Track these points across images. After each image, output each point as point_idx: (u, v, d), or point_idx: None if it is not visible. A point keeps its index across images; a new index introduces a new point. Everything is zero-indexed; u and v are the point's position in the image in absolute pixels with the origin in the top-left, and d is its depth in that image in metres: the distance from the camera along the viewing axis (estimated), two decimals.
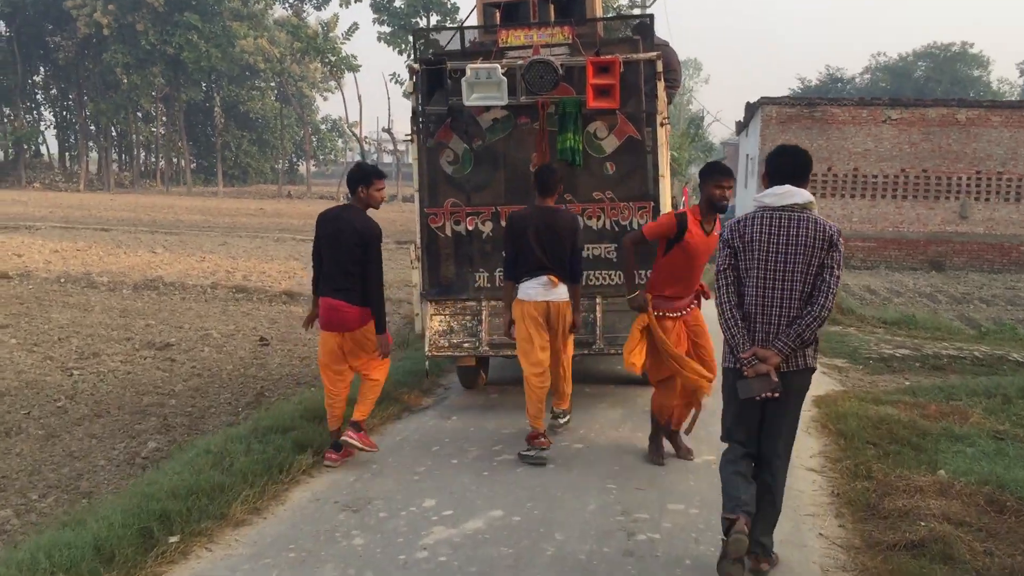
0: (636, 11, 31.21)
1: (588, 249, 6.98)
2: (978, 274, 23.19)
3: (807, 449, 5.95)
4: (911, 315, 11.53)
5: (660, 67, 6.97)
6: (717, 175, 5.42)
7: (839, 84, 70.12)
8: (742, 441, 4.16)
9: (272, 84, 71.85)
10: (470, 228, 7.25)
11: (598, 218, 7.09)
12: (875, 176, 23.70)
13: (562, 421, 6.41)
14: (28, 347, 11.65)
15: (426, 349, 7.31)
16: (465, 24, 8.13)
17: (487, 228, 7.22)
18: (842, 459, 5.70)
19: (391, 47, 49.38)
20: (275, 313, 15.75)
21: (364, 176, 5.74)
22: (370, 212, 5.83)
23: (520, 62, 6.81)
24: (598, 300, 7.06)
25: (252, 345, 12.77)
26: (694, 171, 69.74)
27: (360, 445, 5.79)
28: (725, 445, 4.27)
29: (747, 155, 28.07)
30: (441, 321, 7.30)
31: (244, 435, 6.03)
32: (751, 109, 26.56)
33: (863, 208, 23.77)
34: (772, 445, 4.13)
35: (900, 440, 5.95)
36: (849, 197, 23.80)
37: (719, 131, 77.30)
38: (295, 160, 79.73)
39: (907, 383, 8.39)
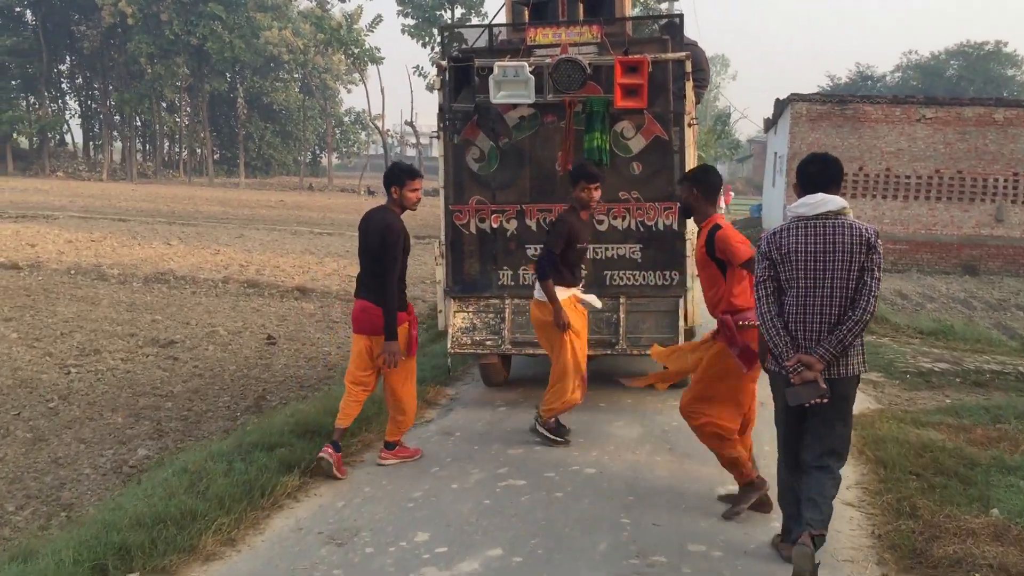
0: (664, 7, 30.75)
1: (613, 249, 7.08)
2: (1013, 279, 22.41)
3: (843, 479, 5.40)
4: (948, 325, 10.92)
5: (689, 67, 6.94)
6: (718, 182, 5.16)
7: (869, 82, 68.96)
8: (793, 444, 4.24)
9: (296, 76, 71.71)
10: (495, 226, 7.23)
11: (623, 218, 7.06)
12: (908, 177, 22.95)
13: (539, 428, 6.14)
14: (29, 342, 11.29)
15: (448, 346, 7.27)
16: (493, 21, 8.10)
17: (512, 226, 7.21)
18: (882, 492, 5.15)
19: (415, 40, 49.07)
20: (286, 310, 15.35)
21: (396, 176, 5.62)
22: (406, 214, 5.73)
23: (548, 60, 6.78)
24: (622, 300, 7.01)
25: (259, 343, 12.36)
26: (721, 168, 69.00)
27: (398, 461, 5.71)
28: None
29: (775, 153, 27.36)
30: (464, 318, 7.27)
31: (227, 451, 5.58)
32: (780, 106, 25.86)
33: (895, 209, 23.04)
34: (811, 458, 4.09)
35: (946, 471, 5.38)
36: (881, 198, 23.07)
37: (745, 128, 76.50)
38: (318, 152, 79.48)
39: (948, 401, 7.81)
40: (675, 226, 7.03)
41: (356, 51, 51.24)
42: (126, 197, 42.88)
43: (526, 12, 8.03)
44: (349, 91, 72.99)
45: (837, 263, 3.96)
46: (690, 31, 8.27)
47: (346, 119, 78.95)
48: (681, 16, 7.52)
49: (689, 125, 7.14)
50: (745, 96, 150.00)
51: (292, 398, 9.32)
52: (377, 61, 52.86)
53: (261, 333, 12.97)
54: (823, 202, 4.03)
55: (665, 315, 6.98)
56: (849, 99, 23.81)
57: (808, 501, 3.98)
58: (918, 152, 22.84)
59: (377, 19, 51.69)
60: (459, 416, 7.05)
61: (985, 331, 11.02)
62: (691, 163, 7.08)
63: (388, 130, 60.25)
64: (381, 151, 73.80)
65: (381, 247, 5.45)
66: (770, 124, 28.80)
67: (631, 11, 9.40)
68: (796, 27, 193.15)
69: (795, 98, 23.59)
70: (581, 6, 7.90)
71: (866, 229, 3.99)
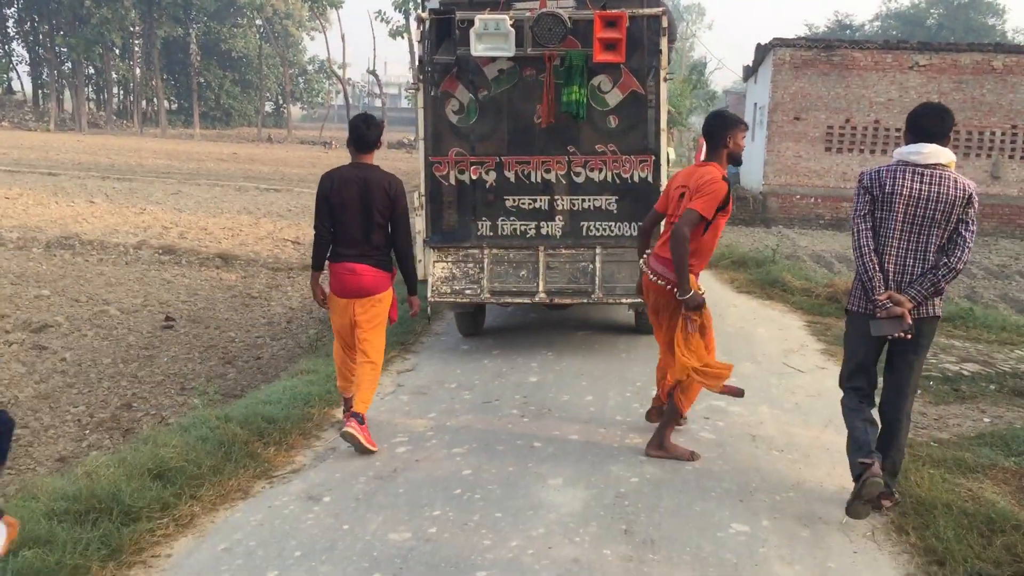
0: None
1: (589, 201, 7.25)
2: (1009, 240, 20.81)
3: None
4: (967, 308, 9.18)
5: (665, 23, 7.04)
6: (741, 124, 5.15)
7: (848, 31, 67.11)
8: (861, 387, 4.44)
9: (257, 22, 68.59)
10: (474, 177, 7.32)
11: (600, 170, 7.22)
12: (899, 129, 21.07)
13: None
14: None
15: (428, 294, 7.25)
16: None
17: (491, 178, 7.31)
18: None
19: None
20: (201, 281, 13.40)
21: (380, 129, 5.53)
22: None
23: (527, 14, 6.88)
24: (597, 250, 7.19)
25: (154, 326, 10.44)
26: (695, 120, 66.94)
27: (363, 441, 5.17)
28: None
29: (755, 104, 25.44)
30: (444, 268, 7.36)
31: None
32: (761, 52, 23.89)
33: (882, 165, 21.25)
34: (897, 390, 4.38)
35: None
36: (869, 153, 21.30)
37: (722, 79, 74.49)
38: (281, 103, 76.33)
39: (987, 420, 6.11)
40: (650, 178, 7.12)
41: None
42: (68, 149, 40.25)
43: None
44: (312, 38, 69.78)
45: (939, 212, 4.11)
46: None
47: (310, 68, 76.02)
48: None
49: (664, 80, 7.14)
50: (721, 46, 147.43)
51: (166, 406, 7.49)
52: (336, 5, 50.10)
53: (161, 312, 11.04)
54: (935, 153, 4.15)
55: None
56: (836, 44, 21.88)
57: (893, 442, 4.36)
58: (910, 103, 20.98)
59: None
60: (327, 474, 5.25)
61: (1007, 316, 9.30)
62: (664, 117, 7.23)
63: (350, 79, 57.53)
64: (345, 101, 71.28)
65: (395, 205, 5.38)
66: (750, 72, 26.81)
67: None
68: None
69: (777, 43, 21.64)
70: None
71: (968, 184, 4.15)
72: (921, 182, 4.12)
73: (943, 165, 4.13)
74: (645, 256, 5.26)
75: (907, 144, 4.26)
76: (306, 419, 5.54)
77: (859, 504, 4.08)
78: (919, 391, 6.70)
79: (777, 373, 6.90)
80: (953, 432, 5.85)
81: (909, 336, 4.17)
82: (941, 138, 4.18)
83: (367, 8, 59.39)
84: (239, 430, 5.01)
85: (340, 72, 54.87)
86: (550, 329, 8.21)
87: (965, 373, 7.09)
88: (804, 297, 9.75)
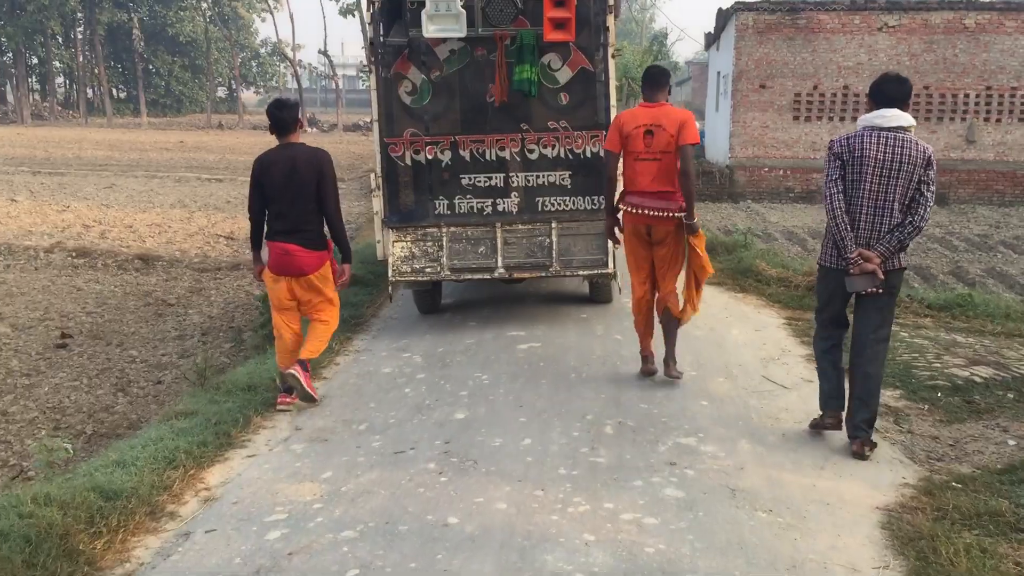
0: None
1: (544, 176, 7.38)
2: (986, 208, 19.88)
3: None
4: (966, 295, 8.08)
5: (612, 0, 7.21)
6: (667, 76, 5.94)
7: (806, 1, 66.06)
8: (834, 333, 4.91)
9: (205, 4, 66.25)
10: (429, 157, 7.38)
11: (553, 147, 7.33)
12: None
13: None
14: None
15: (389, 274, 7.40)
16: None
17: (446, 157, 7.38)
18: None
19: None
20: (114, 287, 12.06)
21: (296, 108, 5.73)
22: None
23: None
24: (553, 225, 7.32)
25: (46, 345, 9.16)
26: None
27: (304, 386, 5.49)
28: None
29: (719, 72, 24.26)
30: (403, 247, 7.42)
31: None
32: (723, 18, 22.69)
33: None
34: (866, 334, 4.73)
35: None
36: (838, 120, 20.23)
37: (683, 50, 73.46)
38: (235, 88, 73.84)
39: (1011, 442, 5.00)
40: (602, 153, 7.02)
41: None
42: (4, 143, 38.24)
43: None
44: (263, 20, 67.61)
45: (903, 173, 4.49)
46: None
47: (262, 50, 73.76)
48: None
49: (612, 56, 7.31)
50: (683, 17, 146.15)
51: (29, 454, 6.24)
52: None
53: (59, 328, 9.73)
54: (896, 117, 4.50)
55: (595, 238, 7.27)
56: (801, 6, 20.70)
57: (857, 401, 4.74)
58: (879, 66, 19.89)
59: None
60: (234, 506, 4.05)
61: (1009, 302, 8.23)
62: (613, 93, 7.37)
63: (300, 60, 55.68)
64: (305, 84, 69.17)
65: (322, 176, 5.51)
66: (712, 40, 25.60)
67: None
68: None
69: (740, 7, 20.46)
70: None
71: (926, 147, 4.54)
72: (886, 145, 4.49)
73: (905, 128, 4.52)
74: (625, 200, 5.74)
75: (870, 111, 4.65)
76: (162, 489, 4.30)
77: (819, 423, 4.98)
78: (928, 405, 5.62)
79: (756, 391, 5.75)
80: (975, 463, 4.74)
81: (880, 291, 4.60)
82: (901, 103, 4.56)
83: None
84: (59, 516, 3.77)
85: (288, 53, 52.93)
86: (489, 344, 7.01)
87: (977, 380, 5.98)
88: (781, 288, 8.61)
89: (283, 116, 5.49)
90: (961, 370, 6.17)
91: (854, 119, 19.86)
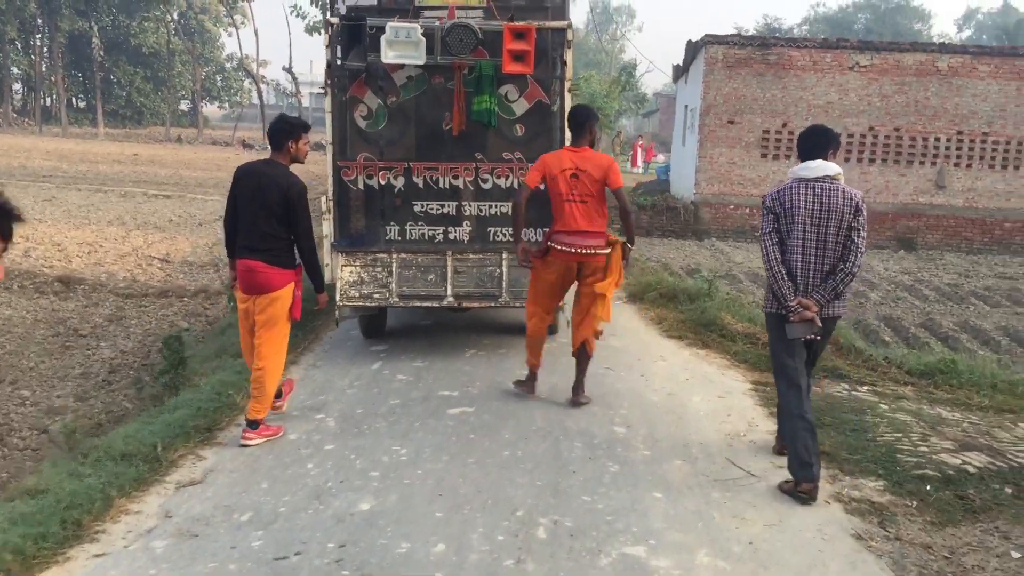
0: None
1: (496, 207, 7.36)
2: (955, 255, 19.39)
3: None
4: (949, 360, 7.35)
5: (570, 36, 7.23)
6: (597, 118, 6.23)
7: (776, 35, 66.57)
8: (801, 385, 4.91)
9: (172, 17, 65.03)
10: (382, 182, 7.33)
11: (507, 177, 7.33)
12: (838, 135, 19.58)
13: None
14: None
15: (337, 298, 7.22)
16: None
17: (399, 183, 7.32)
18: None
19: None
20: (25, 313, 11.01)
21: (293, 129, 5.54)
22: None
23: (437, 23, 6.94)
24: (504, 255, 7.25)
25: None
26: (626, 123, 65.54)
27: (263, 440, 5.33)
28: None
29: (686, 106, 23.69)
30: (352, 272, 7.32)
31: None
32: (692, 50, 22.14)
33: None
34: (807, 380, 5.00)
35: None
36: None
37: (652, 82, 73.53)
38: (199, 101, 72.41)
39: (1015, 554, 4.24)
40: None
41: None
42: None
43: None
44: (230, 34, 66.47)
45: (832, 221, 4.67)
46: None
47: (228, 65, 72.53)
48: None
49: (569, 90, 7.33)
50: (652, 49, 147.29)
51: None
52: None
53: None
54: (821, 167, 4.73)
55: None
56: (772, 41, 20.24)
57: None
58: (850, 106, 19.49)
59: None
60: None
61: (995, 369, 7.51)
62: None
63: (264, 76, 54.65)
64: (267, 99, 67.86)
65: (290, 206, 5.36)
66: (680, 72, 25.06)
67: None
68: None
69: (710, 40, 19.89)
70: None
71: (855, 194, 4.72)
72: (814, 195, 4.68)
73: (831, 177, 4.71)
74: (550, 239, 6.02)
75: (799, 163, 4.85)
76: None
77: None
78: (917, 501, 4.84)
79: (719, 480, 4.93)
80: None
81: (819, 337, 4.85)
82: (824, 152, 4.81)
83: (283, 3, 56.21)
84: None
85: (252, 68, 51.87)
86: (416, 407, 6.12)
87: (970, 469, 5.21)
88: (748, 345, 7.81)
89: (273, 130, 5.54)
90: (951, 456, 5.40)
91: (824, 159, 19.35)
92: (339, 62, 7.23)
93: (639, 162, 41.57)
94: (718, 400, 6.44)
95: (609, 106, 30.64)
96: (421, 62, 6.90)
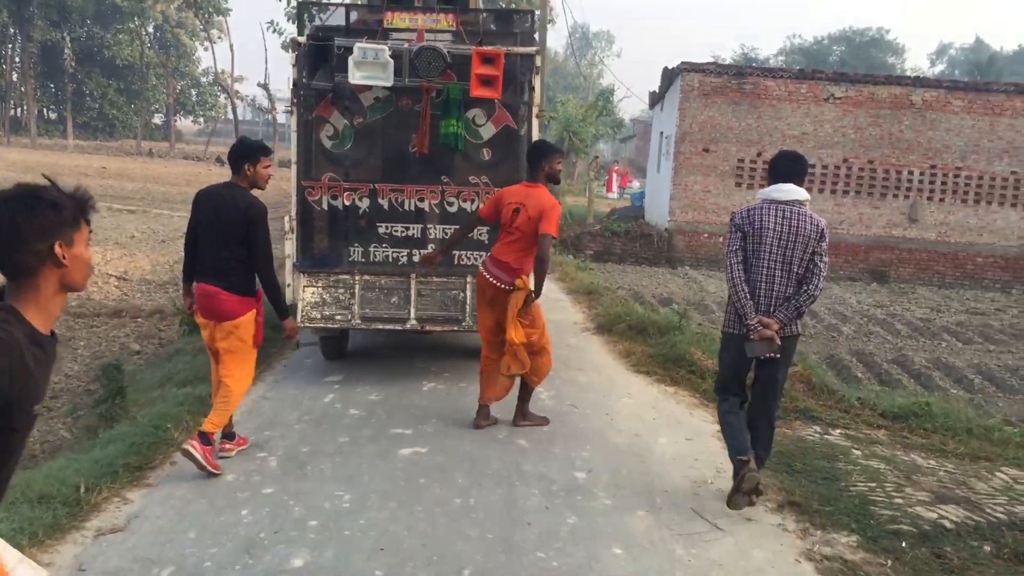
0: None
1: None
2: (927, 288, 19.34)
3: None
4: (923, 404, 7.10)
5: (539, 62, 7.27)
6: (558, 153, 6.20)
7: (753, 65, 67.09)
8: (738, 393, 5.10)
9: (150, 30, 64.57)
10: (347, 203, 7.26)
11: (473, 201, 7.26)
12: (812, 166, 19.50)
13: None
14: None
15: (298, 320, 7.08)
16: (349, 1, 8.50)
17: (364, 204, 7.26)
18: None
19: None
20: None
21: (250, 152, 5.35)
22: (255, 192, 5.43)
23: (406, 45, 6.92)
24: (468, 279, 7.18)
25: None
26: (604, 147, 65.66)
27: (202, 461, 5.04)
28: None
29: (662, 133, 23.60)
30: (314, 293, 7.21)
31: None
32: (668, 77, 22.06)
33: None
34: (767, 393, 5.02)
35: None
36: None
37: (629, 108, 73.84)
38: (174, 115, 71.74)
39: None
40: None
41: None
42: None
43: None
44: (206, 49, 65.95)
45: (798, 244, 4.79)
46: (574, 6, 7.28)
47: (204, 80, 72.01)
48: (533, 13, 8.48)
49: (536, 116, 7.36)
50: (630, 75, 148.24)
51: None
52: (222, 12, 46.85)
53: None
54: (792, 191, 4.83)
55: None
56: (748, 71, 20.19)
57: (759, 445, 5.01)
58: (825, 137, 19.46)
59: None
60: None
61: (970, 415, 7.26)
62: None
63: (239, 92, 54.24)
64: (243, 115, 67.37)
65: (250, 233, 5.19)
66: (656, 99, 25.01)
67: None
68: (680, 5, 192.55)
69: (686, 68, 19.81)
70: None
71: (819, 220, 4.87)
72: (783, 217, 4.78)
73: (800, 202, 4.82)
74: (483, 260, 6.23)
75: (769, 185, 4.94)
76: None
77: (739, 496, 4.76)
78: (892, 559, 4.55)
79: (684, 534, 4.61)
80: None
81: (778, 356, 4.83)
82: (797, 178, 4.89)
83: (259, 19, 55.90)
84: None
85: (226, 83, 51.47)
86: (366, 446, 5.77)
87: (947, 525, 4.94)
88: None
89: (233, 151, 5.39)
90: (927, 509, 5.13)
91: None
92: (305, 81, 7.14)
93: (614, 187, 41.52)
94: (685, 443, 6.14)
95: (585, 131, 30.52)
96: (389, 84, 6.81)
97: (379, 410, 6.54)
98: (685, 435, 6.32)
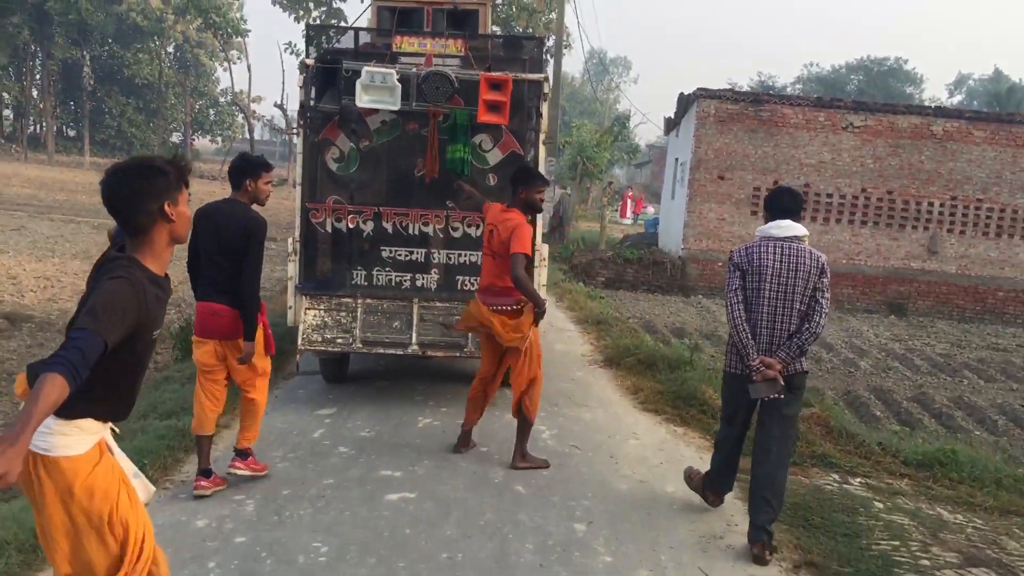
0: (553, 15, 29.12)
1: (466, 256, 7.23)
2: (946, 322, 18.85)
3: None
4: (949, 451, 6.69)
5: (546, 89, 7.21)
6: (539, 183, 6.01)
7: (770, 92, 66.82)
8: (739, 435, 5.07)
9: (169, 49, 64.94)
10: (351, 226, 7.18)
11: (477, 226, 7.13)
12: (830, 195, 19.17)
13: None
14: None
15: (299, 342, 7.11)
16: (357, 24, 9.40)
17: (368, 227, 7.19)
18: None
19: (287, 13, 43.34)
20: None
21: (251, 168, 5.32)
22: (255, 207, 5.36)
23: (414, 69, 6.88)
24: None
25: None
26: (619, 172, 65.46)
27: (251, 473, 5.34)
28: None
29: (676, 159, 23.29)
30: (315, 315, 7.16)
31: None
32: (684, 103, 21.76)
33: (813, 234, 19.16)
34: (769, 435, 4.80)
35: None
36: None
37: (646, 133, 73.74)
38: (191, 134, 71.96)
39: None
40: None
41: (217, 20, 45.00)
42: None
43: (392, 19, 8.21)
44: (225, 69, 66.25)
45: (799, 281, 4.71)
46: (591, 32, 8.17)
47: (222, 99, 72.31)
48: (542, 40, 8.56)
49: (543, 143, 7.28)
50: (646, 101, 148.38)
51: None
52: (241, 33, 46.87)
53: None
54: (790, 227, 4.78)
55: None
56: (765, 98, 19.89)
57: (761, 500, 4.70)
58: (843, 166, 19.09)
59: None
60: None
61: (999, 464, 6.84)
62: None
63: (256, 111, 54.33)
64: (259, 135, 67.53)
65: (247, 245, 5.08)
66: (671, 125, 24.71)
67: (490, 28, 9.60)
68: (698, 33, 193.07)
69: (702, 94, 19.52)
70: (446, 19, 8.28)
71: (819, 256, 4.79)
72: (782, 254, 4.74)
73: (799, 238, 4.79)
74: (480, 299, 5.95)
75: (766, 222, 4.92)
76: None
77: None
78: None
79: None
80: None
81: (782, 396, 4.71)
82: (794, 214, 4.88)
83: (276, 39, 56.03)
84: None
85: (242, 103, 51.56)
86: (352, 489, 5.41)
87: None
88: None
89: (233, 167, 5.36)
90: (956, 572, 4.72)
91: (814, 220, 18.97)
92: (313, 103, 7.10)
93: (628, 212, 41.21)
94: (694, 491, 5.74)
95: (599, 156, 30.20)
96: (395, 108, 6.77)
97: (369, 448, 6.19)
98: None
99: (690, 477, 5.46)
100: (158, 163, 2.85)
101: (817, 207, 19.16)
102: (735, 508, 5.48)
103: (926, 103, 62.89)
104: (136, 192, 2.78)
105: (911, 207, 19.16)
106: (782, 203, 4.87)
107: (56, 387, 2.37)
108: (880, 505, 5.67)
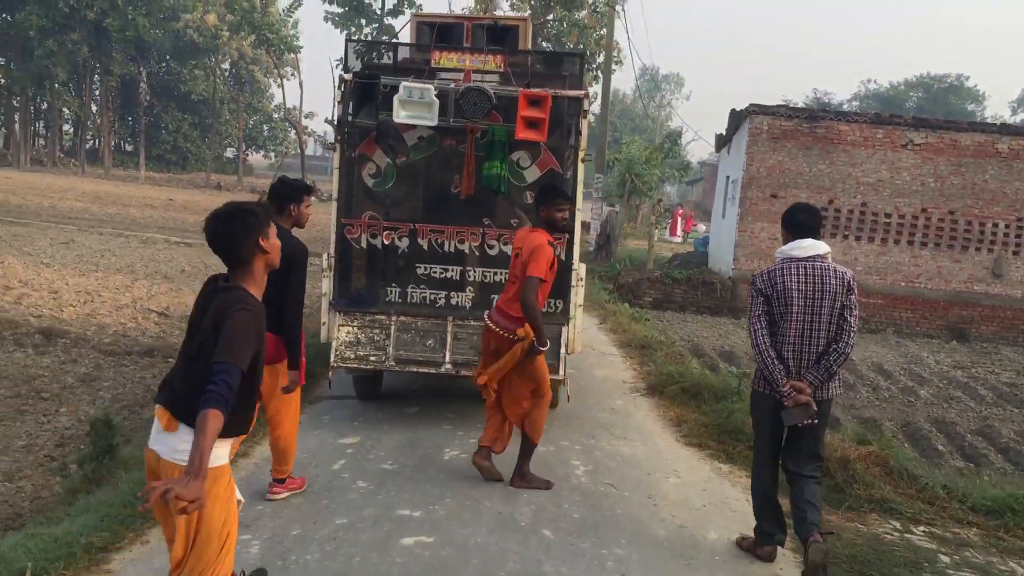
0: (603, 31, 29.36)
1: (501, 274, 7.08)
2: (1011, 349, 17.96)
3: None
4: (1022, 496, 6.12)
5: (586, 105, 7.10)
6: (560, 201, 5.85)
7: (826, 109, 65.63)
8: (773, 451, 4.87)
9: (225, 66, 66.03)
10: (386, 243, 7.15)
11: None
12: (888, 215, 18.43)
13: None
14: None
15: (331, 358, 7.03)
16: (397, 40, 9.58)
17: (403, 244, 7.15)
18: None
19: (339, 29, 43.71)
20: None
21: (295, 192, 5.36)
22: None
23: (452, 85, 6.82)
24: None
25: None
26: (670, 190, 64.78)
27: (289, 494, 5.45)
28: None
29: (728, 177, 22.69)
30: (349, 332, 7.10)
31: None
32: (737, 119, 21.19)
33: (870, 255, 18.48)
34: (800, 463, 4.72)
35: None
36: (854, 239, 18.51)
37: (697, 151, 72.95)
38: (245, 149, 73.04)
39: None
40: (563, 256, 6.83)
41: (271, 37, 45.51)
42: None
43: (431, 34, 8.06)
44: (279, 85, 67.05)
45: (825, 301, 4.59)
46: (642, 49, 7.44)
47: (276, 115, 73.31)
48: (582, 55, 8.53)
49: (582, 160, 7.13)
50: (699, 118, 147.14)
51: None
52: (294, 50, 47.39)
53: None
54: (813, 246, 4.68)
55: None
56: (821, 114, 19.23)
57: (807, 505, 4.61)
58: (902, 185, 18.35)
59: (295, 3, 46.00)
60: None
61: None
62: (580, 196, 7.13)
63: (307, 127, 54.81)
64: (311, 151, 68.20)
65: (289, 270, 5.01)
66: (723, 142, 24.12)
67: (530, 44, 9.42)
68: (752, 50, 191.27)
69: (755, 110, 18.94)
70: (485, 34, 8.13)
71: (845, 272, 4.70)
72: (806, 275, 4.64)
73: (821, 256, 4.69)
74: (488, 312, 5.92)
75: (786, 243, 4.82)
76: None
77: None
78: None
79: None
80: None
81: (815, 421, 4.60)
82: (813, 231, 4.76)
83: (329, 55, 56.72)
84: None
85: (294, 119, 52.06)
86: (365, 530, 5.03)
87: None
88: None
89: (276, 192, 5.37)
90: None
91: (871, 240, 18.25)
92: (350, 118, 7.10)
93: (678, 231, 40.55)
94: (740, 532, 5.27)
95: (649, 172, 29.69)
96: (433, 123, 6.70)
97: (390, 483, 5.81)
98: (740, 528, 5.43)
99: (741, 541, 5.17)
100: (248, 205, 3.28)
101: (875, 227, 18.44)
102: (784, 559, 4.99)
103: (988, 120, 61.26)
104: (237, 233, 3.21)
105: (974, 228, 18.34)
106: (799, 220, 4.78)
107: (217, 420, 2.86)
108: (946, 559, 5.14)
